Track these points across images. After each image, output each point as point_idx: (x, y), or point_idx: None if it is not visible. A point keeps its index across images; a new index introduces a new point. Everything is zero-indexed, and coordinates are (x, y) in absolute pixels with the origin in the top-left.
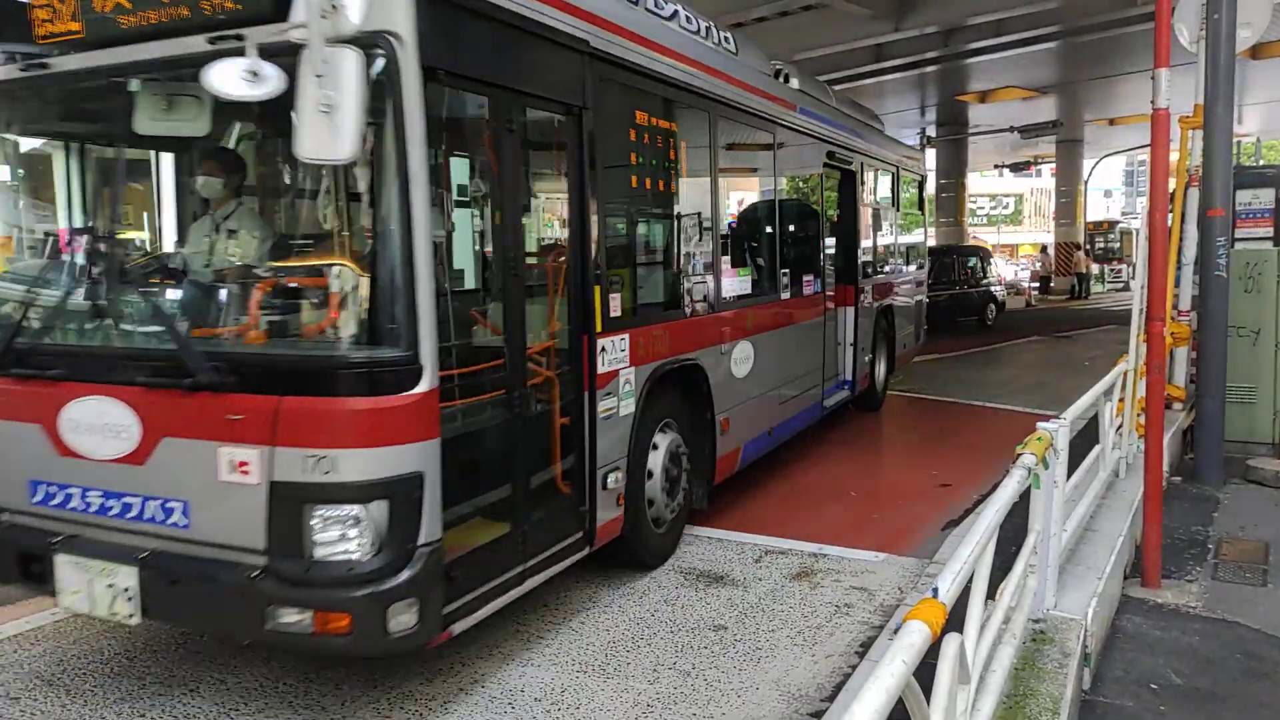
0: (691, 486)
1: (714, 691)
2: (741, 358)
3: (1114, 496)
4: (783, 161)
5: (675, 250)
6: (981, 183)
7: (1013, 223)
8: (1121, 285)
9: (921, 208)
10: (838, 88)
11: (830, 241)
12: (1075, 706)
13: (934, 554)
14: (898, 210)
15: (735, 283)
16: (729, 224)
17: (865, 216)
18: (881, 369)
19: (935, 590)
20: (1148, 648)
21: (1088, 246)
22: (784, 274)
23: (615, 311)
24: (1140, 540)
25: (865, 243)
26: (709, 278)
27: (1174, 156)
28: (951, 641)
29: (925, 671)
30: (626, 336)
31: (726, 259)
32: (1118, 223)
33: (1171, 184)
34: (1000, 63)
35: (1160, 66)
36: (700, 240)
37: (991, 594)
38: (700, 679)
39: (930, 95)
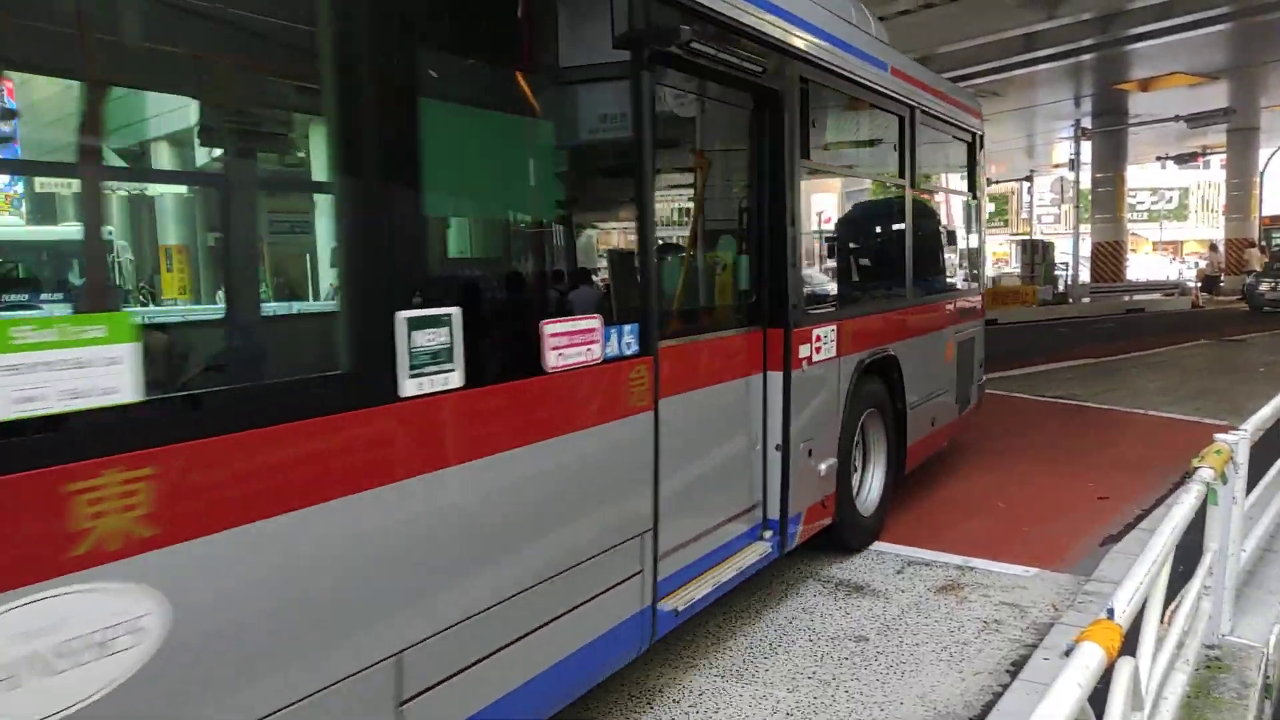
0: None
1: (855, 703)
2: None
3: None
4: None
5: None
6: (1141, 175)
7: (1177, 218)
8: None
9: (974, 188)
10: (982, 80)
11: (698, 237)
12: None
13: (1092, 571)
14: (913, 186)
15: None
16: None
17: (810, 189)
18: (875, 480)
19: (1110, 611)
20: None
21: (1263, 243)
22: (437, 328)
23: None
24: None
25: (820, 246)
26: None
27: None
28: (1125, 665)
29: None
30: None
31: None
32: None
33: None
34: (1165, 47)
35: None
36: None
37: (1160, 616)
38: (841, 690)
39: (1086, 85)
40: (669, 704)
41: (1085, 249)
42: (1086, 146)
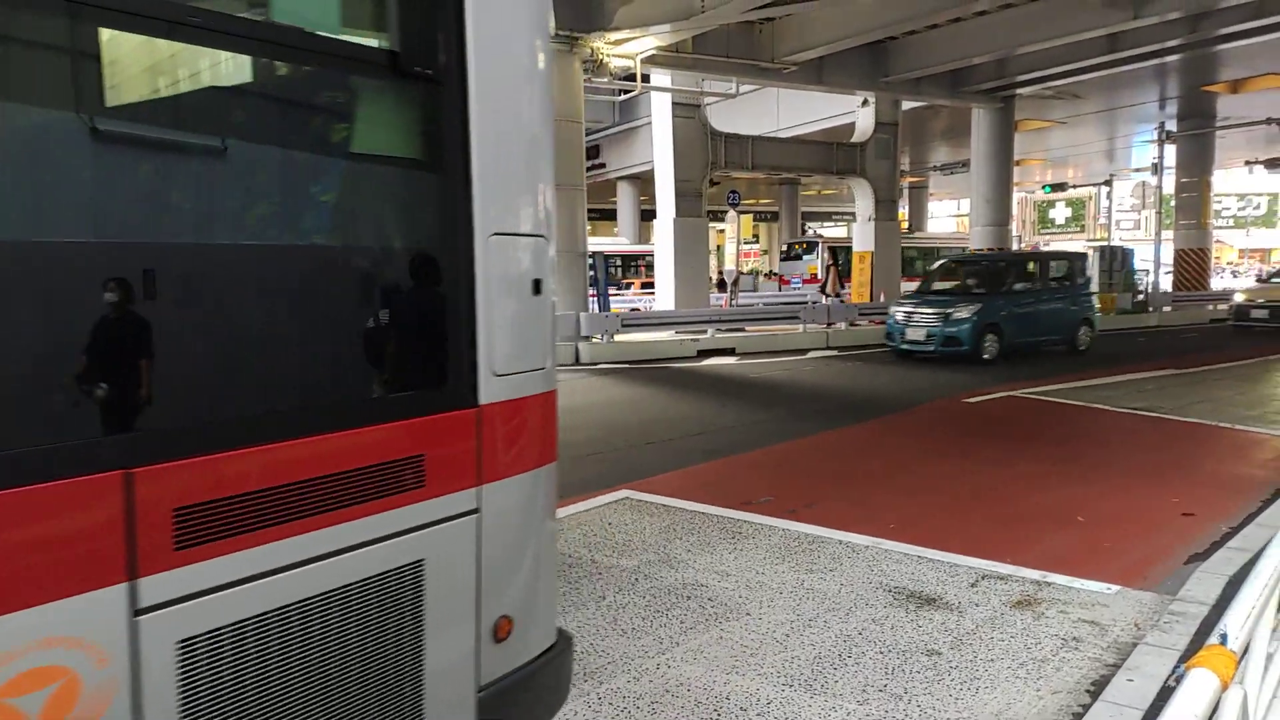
0: None
1: (928, 718)
2: None
3: None
4: None
5: None
6: (1228, 180)
7: (1265, 225)
8: None
9: (430, 56)
10: (1062, 82)
11: None
12: None
13: (1177, 590)
14: None
15: None
16: None
17: None
18: None
19: (1223, 636)
20: None
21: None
22: None
23: None
24: None
25: None
26: None
27: None
28: (1235, 694)
29: None
30: None
31: None
32: None
33: None
34: (1258, 48)
35: None
36: None
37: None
38: (913, 705)
39: (1171, 87)
40: (735, 711)
41: (1167, 256)
42: (1170, 150)
